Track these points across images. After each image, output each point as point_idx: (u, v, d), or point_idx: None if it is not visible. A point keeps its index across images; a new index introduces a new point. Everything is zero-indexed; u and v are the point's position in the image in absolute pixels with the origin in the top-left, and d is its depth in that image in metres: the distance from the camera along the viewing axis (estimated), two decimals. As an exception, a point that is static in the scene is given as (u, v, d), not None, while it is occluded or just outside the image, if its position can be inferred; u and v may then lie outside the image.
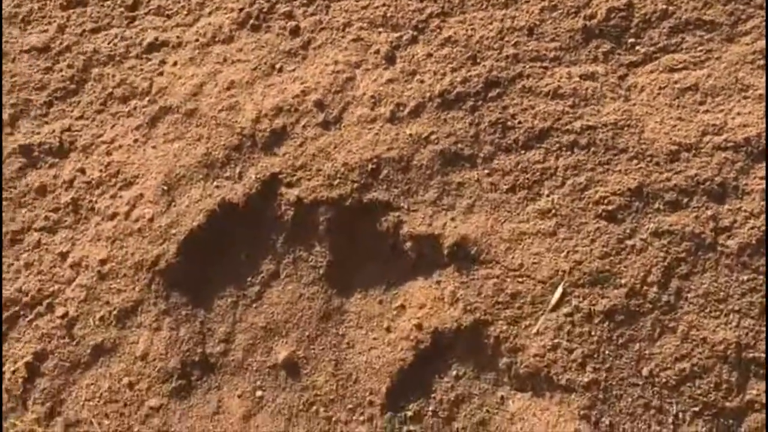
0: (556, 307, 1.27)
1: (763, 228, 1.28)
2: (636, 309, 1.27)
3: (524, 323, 1.29)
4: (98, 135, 1.44)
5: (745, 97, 1.36)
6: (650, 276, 1.27)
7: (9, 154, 1.48)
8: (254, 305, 1.39)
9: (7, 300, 1.42)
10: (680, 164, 1.31)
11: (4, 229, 1.46)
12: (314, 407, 1.32)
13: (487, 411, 1.29)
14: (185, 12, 1.50)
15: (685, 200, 1.30)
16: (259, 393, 1.31)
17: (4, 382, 1.37)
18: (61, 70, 1.49)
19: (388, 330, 1.36)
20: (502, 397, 1.28)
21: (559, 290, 1.27)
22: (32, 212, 1.46)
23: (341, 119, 1.39)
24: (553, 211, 1.32)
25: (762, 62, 1.38)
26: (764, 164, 1.30)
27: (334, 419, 1.31)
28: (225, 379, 1.32)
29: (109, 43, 1.48)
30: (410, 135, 1.36)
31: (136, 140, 1.42)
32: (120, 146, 1.43)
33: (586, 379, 1.25)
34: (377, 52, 1.44)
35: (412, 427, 1.29)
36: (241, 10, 1.49)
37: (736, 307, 1.27)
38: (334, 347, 1.38)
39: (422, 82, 1.40)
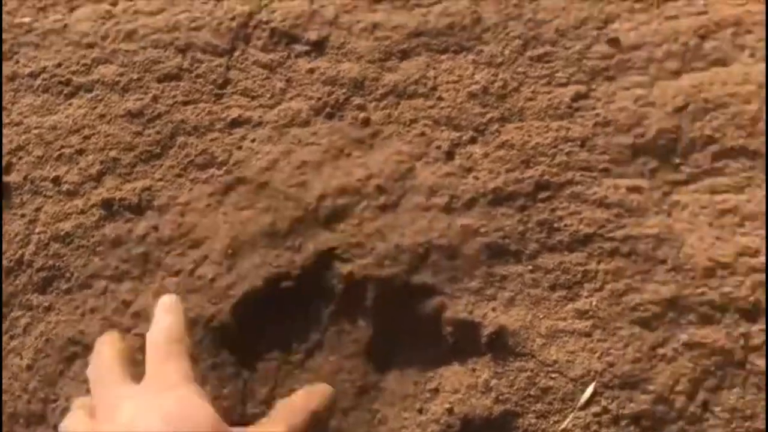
0: (586, 405, 1.32)
1: (794, 351, 1.33)
2: (662, 416, 1.31)
3: (553, 418, 1.34)
4: (175, 197, 1.57)
5: (782, 225, 1.43)
6: (678, 385, 1.32)
7: (91, 206, 1.62)
8: (296, 371, 1.47)
9: (69, 339, 1.53)
10: (715, 281, 1.38)
11: (76, 274, 1.58)
12: (343, 475, 1.37)
13: (510, 500, 1.32)
14: (269, 95, 1.65)
15: (718, 315, 1.35)
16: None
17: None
18: (149, 135, 1.64)
19: (420, 411, 1.42)
20: (525, 488, 1.32)
21: (590, 390, 1.33)
22: (103, 261, 1.58)
23: (399, 205, 1.50)
24: (591, 312, 1.39)
25: (801, 194, 1.46)
26: (798, 290, 1.36)
27: (360, 489, 1.36)
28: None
29: (196, 116, 1.63)
30: (461, 226, 1.46)
31: (208, 205, 1.55)
32: (193, 209, 1.56)
33: (608, 479, 1.28)
34: (438, 147, 1.56)
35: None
36: (319, 99, 1.63)
37: (761, 426, 1.30)
38: (366, 423, 1.44)
39: (477, 178, 1.51)
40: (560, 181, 1.50)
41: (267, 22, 1.76)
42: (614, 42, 1.66)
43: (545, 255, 1.44)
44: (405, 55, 1.69)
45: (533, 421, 1.30)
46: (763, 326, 1.33)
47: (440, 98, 1.62)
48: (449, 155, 1.55)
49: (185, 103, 1.66)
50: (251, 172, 1.56)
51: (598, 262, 1.41)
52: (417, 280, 1.44)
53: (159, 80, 1.69)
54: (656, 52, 1.64)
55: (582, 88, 1.61)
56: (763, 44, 1.63)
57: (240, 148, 1.60)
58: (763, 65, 1.61)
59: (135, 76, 1.71)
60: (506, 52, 1.67)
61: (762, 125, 1.52)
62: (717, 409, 1.31)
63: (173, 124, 1.64)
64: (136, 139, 1.64)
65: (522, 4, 1.72)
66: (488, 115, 1.59)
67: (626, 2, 1.70)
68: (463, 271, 1.45)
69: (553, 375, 1.35)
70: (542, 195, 1.49)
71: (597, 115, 1.57)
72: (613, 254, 1.42)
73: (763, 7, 1.68)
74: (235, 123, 1.63)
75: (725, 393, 1.32)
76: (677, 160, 1.51)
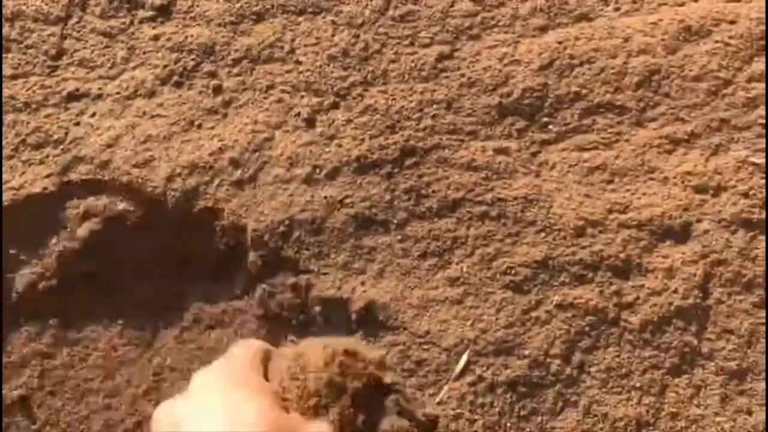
0: (460, 375, 1.26)
1: (665, 306, 1.30)
2: (539, 381, 1.26)
3: (428, 391, 1.27)
4: (6, 181, 1.40)
5: (650, 179, 1.41)
6: (553, 348, 1.27)
7: None
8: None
9: None
10: (586, 239, 1.34)
11: None
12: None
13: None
14: (109, 65, 1.50)
15: (590, 275, 1.32)
16: None
17: None
18: (-27, 114, 1.46)
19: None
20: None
21: (464, 359, 1.26)
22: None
23: (256, 178, 1.38)
24: (462, 279, 1.32)
25: (668, 146, 1.44)
26: (666, 243, 1.34)
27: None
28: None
29: (27, 91, 1.46)
30: (325, 198, 1.36)
31: (44, 188, 1.39)
32: (28, 193, 1.40)
33: (487, 452, 1.22)
34: (298, 114, 1.45)
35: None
36: (165, 66, 1.49)
37: (638, 384, 1.28)
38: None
39: (340, 146, 1.42)
40: (427, 145, 1.43)
41: (106, -14, 1.60)
42: (476, 0, 1.60)
43: (414, 223, 1.36)
44: (259, 17, 1.57)
45: (409, 394, 1.23)
46: (635, 282, 1.30)
47: (298, 62, 1.52)
48: (310, 122, 1.45)
49: (14, 77, 1.49)
50: (91, 150, 1.41)
51: (468, 227, 1.35)
52: (281, 258, 1.34)
53: (-18, 52, 1.51)
54: (521, 8, 1.59)
55: (446, 48, 1.54)
56: (625, -2, 1.60)
57: (78, 124, 1.44)
58: (627, 19, 1.59)
59: (-46, 49, 1.52)
60: (367, 12, 1.58)
61: (627, 79, 1.49)
62: (593, 369, 1.27)
63: (2, 100, 1.46)
64: (-42, 119, 1.46)
65: (382, -38, 1.62)
66: (350, 79, 1.50)
67: (489, -42, 1.64)
68: (330, 245, 1.35)
69: (426, 346, 1.28)
70: (409, 161, 1.41)
71: (462, 75, 1.50)
72: (482, 218, 1.36)
73: None
74: (72, 97, 1.47)
75: (601, 353, 1.29)
76: (545, 119, 1.46)
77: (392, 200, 1.36)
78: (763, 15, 1.59)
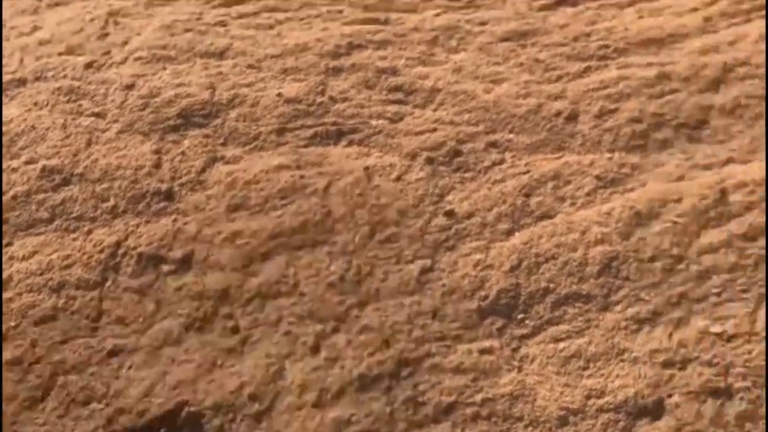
0: None
1: (652, 481, 1.42)
2: None
3: None
4: (62, 436, 1.62)
5: (621, 360, 1.56)
6: None
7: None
8: None
9: None
10: (569, 428, 1.48)
11: None
12: None
13: None
14: (141, 319, 1.74)
15: (577, 461, 1.45)
16: None
17: None
18: (29, 381, 1.70)
19: None
20: None
21: None
22: None
23: (272, 408, 1.57)
24: (462, 480, 1.46)
25: (634, 327, 1.60)
26: (643, 421, 1.47)
27: None
28: None
29: (74, 353, 1.71)
30: (332, 419, 1.54)
31: (94, 440, 1.60)
32: (80, 446, 1.61)
33: None
34: (304, 343, 1.66)
35: None
36: (188, 315, 1.73)
37: None
38: None
39: (343, 367, 1.61)
40: (419, 354, 1.61)
41: (134, 248, 1.88)
42: (450, 213, 1.83)
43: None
44: (265, 257, 1.82)
45: None
46: (619, 463, 1.42)
47: (302, 294, 1.74)
48: (315, 349, 1.65)
49: (63, 342, 1.74)
50: (130, 401, 1.63)
51: (463, 429, 1.50)
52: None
53: (36, 323, 1.77)
54: (488, 216, 1.82)
55: (427, 262, 1.75)
56: (582, 192, 1.82)
57: (118, 377, 1.67)
58: (583, 212, 1.80)
59: (12, 324, 1.79)
60: (357, 239, 1.82)
61: (589, 269, 1.67)
62: None
63: (52, 365, 1.71)
64: (18, 386, 1.69)
65: (365, 193, 1.88)
66: (347, 302, 1.71)
67: (458, 173, 1.89)
68: (343, 461, 1.52)
69: None
70: (404, 372, 1.59)
71: (443, 285, 1.71)
72: (475, 419, 1.51)
73: (578, 158, 1.89)
74: (112, 353, 1.71)
75: None
76: (520, 315, 1.65)
77: (392, 412, 1.53)
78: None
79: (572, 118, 2.01)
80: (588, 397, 1.51)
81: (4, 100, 2.33)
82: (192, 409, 1.59)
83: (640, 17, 2.27)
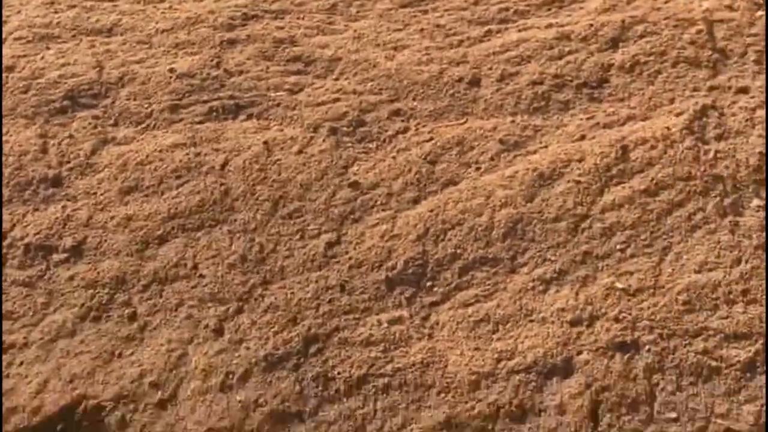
0: None
1: (564, 439, 1.42)
2: None
3: None
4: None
5: (530, 321, 1.55)
6: (468, 504, 1.37)
7: None
8: None
9: None
10: (481, 392, 1.46)
11: None
12: None
13: None
14: (31, 313, 1.64)
15: (490, 426, 1.43)
16: None
17: None
18: None
19: None
20: None
21: None
22: None
23: (176, 395, 1.50)
24: (376, 454, 1.43)
25: (541, 287, 1.59)
26: (553, 380, 1.46)
27: None
28: None
29: (-43, 353, 1.59)
30: (240, 402, 1.48)
31: (-17, 444, 1.49)
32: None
33: None
34: (206, 326, 1.59)
35: None
36: (83, 305, 1.63)
37: None
38: None
39: (248, 348, 1.55)
40: (327, 330, 1.57)
41: (21, 239, 1.76)
42: (355, 185, 1.78)
43: (326, 407, 1.48)
44: (162, 240, 1.73)
45: None
46: (531, 424, 1.42)
47: (202, 276, 1.67)
48: (218, 332, 1.58)
49: (-55, 343, 1.62)
50: (23, 399, 1.52)
51: (375, 401, 1.47)
52: (207, 468, 1.44)
53: None
54: (394, 185, 1.78)
55: (333, 236, 1.70)
56: (486, 156, 1.80)
57: (8, 376, 1.56)
58: (487, 176, 1.78)
59: None
60: (258, 216, 1.75)
61: (495, 232, 1.66)
62: None
63: (-67, 368, 1.58)
64: None
65: (266, 167, 1.82)
66: (250, 282, 1.65)
67: (361, 143, 1.84)
68: (253, 444, 1.46)
69: None
70: (313, 348, 1.54)
71: (350, 258, 1.66)
72: (386, 390, 1.48)
73: (481, 123, 1.87)
74: (0, 350, 1.60)
75: (515, 497, 1.38)
76: (429, 283, 1.62)
77: (302, 390, 1.48)
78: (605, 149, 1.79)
79: (474, 83, 1.98)
80: (498, 360, 1.50)
81: None
82: (91, 402, 1.51)
83: (539, -21, 2.26)
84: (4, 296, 1.68)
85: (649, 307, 1.54)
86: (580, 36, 2.07)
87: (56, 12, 2.30)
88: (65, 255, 1.73)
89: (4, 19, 2.31)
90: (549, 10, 2.17)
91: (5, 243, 1.76)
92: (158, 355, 1.55)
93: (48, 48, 2.20)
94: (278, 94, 2.01)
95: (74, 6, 2.32)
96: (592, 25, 2.10)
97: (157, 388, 1.52)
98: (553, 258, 1.63)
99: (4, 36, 2.24)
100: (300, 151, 1.86)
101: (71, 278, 1.69)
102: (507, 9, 2.18)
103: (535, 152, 1.82)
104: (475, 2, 2.21)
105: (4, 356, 1.59)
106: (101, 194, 1.83)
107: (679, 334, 1.50)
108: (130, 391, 1.52)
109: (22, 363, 1.58)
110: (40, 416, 1.51)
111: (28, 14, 2.30)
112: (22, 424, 1.50)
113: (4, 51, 2.19)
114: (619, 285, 1.57)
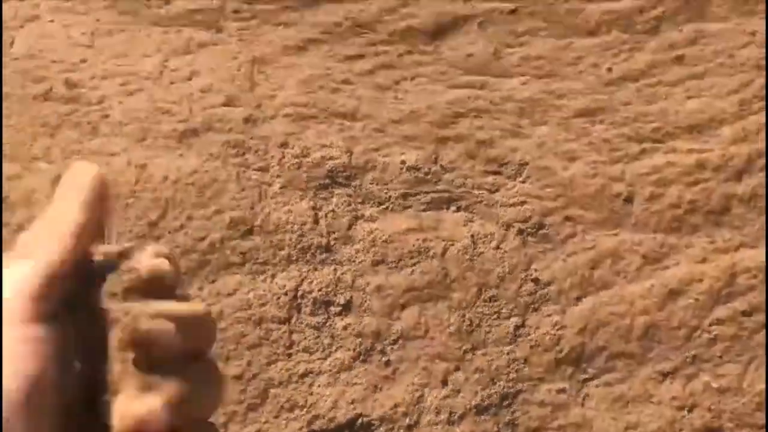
0: None
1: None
2: None
3: None
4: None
5: (650, 403, 2.37)
6: None
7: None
8: None
9: None
10: (613, 450, 2.32)
11: None
12: None
13: None
14: (321, 350, 2.56)
15: (617, 472, 2.30)
16: None
17: None
18: (249, 392, 2.54)
19: None
20: None
21: None
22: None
23: (419, 422, 2.42)
24: (543, 479, 2.33)
25: (660, 378, 2.39)
26: (661, 448, 2.31)
27: None
28: None
29: (278, 373, 2.54)
30: (459, 434, 2.39)
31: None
32: (288, 436, 2.48)
33: None
34: (437, 377, 2.48)
35: None
36: (354, 349, 2.55)
37: None
38: None
39: (464, 397, 2.44)
40: (515, 390, 2.43)
41: (309, 292, 2.66)
42: (536, 281, 2.58)
43: (512, 443, 2.37)
44: (403, 307, 2.60)
45: None
46: (643, 475, 2.28)
47: (431, 338, 2.54)
48: (444, 382, 2.47)
49: (269, 363, 2.57)
50: (322, 410, 2.48)
51: (545, 445, 2.35)
52: (438, 471, 2.38)
53: (248, 348, 2.59)
54: (563, 284, 2.57)
55: (519, 320, 2.53)
56: (632, 267, 2.55)
57: (311, 393, 2.51)
58: (632, 286, 2.54)
59: (231, 347, 2.61)
60: (468, 297, 2.58)
61: (633, 333, 2.45)
62: None
63: (264, 381, 2.54)
64: (241, 396, 2.54)
65: (473, 258, 2.63)
66: (463, 348, 2.51)
67: (540, 244, 2.62)
68: (465, 457, 2.38)
69: None
70: (505, 403, 2.42)
71: (531, 339, 2.50)
72: (552, 439, 2.36)
73: (631, 236, 2.59)
74: (304, 374, 2.54)
75: None
76: (584, 365, 2.44)
77: (499, 431, 2.38)
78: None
79: (628, 200, 2.69)
80: (626, 429, 2.34)
81: (182, 149, 3.01)
82: (364, 419, 2.44)
83: (688, 98, 2.87)
84: (301, 335, 2.60)
85: (732, 403, 2.33)
86: (713, 165, 2.72)
87: (309, 92, 3.07)
88: (339, 308, 2.62)
89: (271, 93, 3.10)
90: (690, 134, 2.80)
91: (298, 294, 2.66)
92: (406, 392, 2.46)
93: (308, 128, 2.99)
94: (480, 192, 2.77)
95: (323, 87, 3.08)
96: (724, 155, 2.73)
97: (406, 416, 2.43)
98: (671, 357, 2.42)
99: (274, 112, 3.04)
100: (497, 247, 2.65)
101: (345, 327, 2.59)
102: (659, 129, 2.82)
103: (667, 268, 2.56)
104: (634, 119, 2.86)
105: (306, 379, 2.54)
106: (359, 262, 2.69)
107: (750, 424, 2.30)
108: (387, 416, 2.44)
109: (318, 386, 2.52)
110: (334, 423, 2.46)
111: (288, 93, 3.08)
112: (326, 426, 2.47)
113: (278, 128, 3.00)
114: (713, 384, 2.36)
